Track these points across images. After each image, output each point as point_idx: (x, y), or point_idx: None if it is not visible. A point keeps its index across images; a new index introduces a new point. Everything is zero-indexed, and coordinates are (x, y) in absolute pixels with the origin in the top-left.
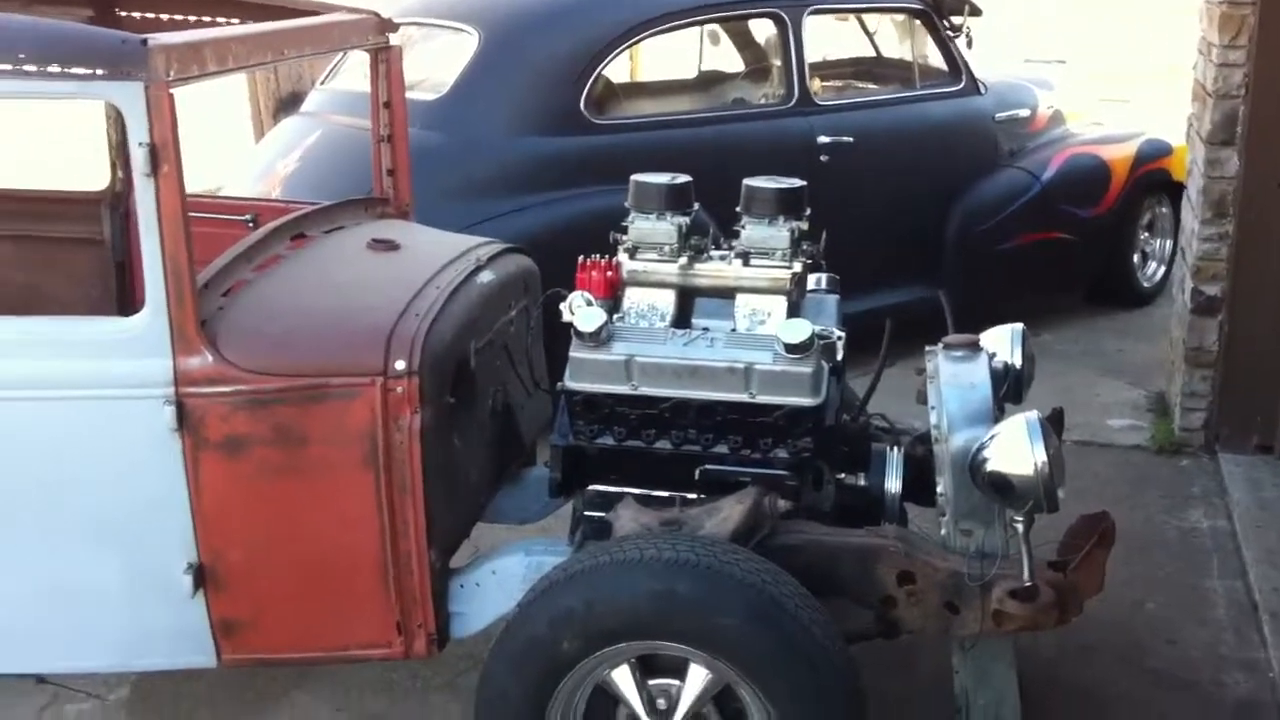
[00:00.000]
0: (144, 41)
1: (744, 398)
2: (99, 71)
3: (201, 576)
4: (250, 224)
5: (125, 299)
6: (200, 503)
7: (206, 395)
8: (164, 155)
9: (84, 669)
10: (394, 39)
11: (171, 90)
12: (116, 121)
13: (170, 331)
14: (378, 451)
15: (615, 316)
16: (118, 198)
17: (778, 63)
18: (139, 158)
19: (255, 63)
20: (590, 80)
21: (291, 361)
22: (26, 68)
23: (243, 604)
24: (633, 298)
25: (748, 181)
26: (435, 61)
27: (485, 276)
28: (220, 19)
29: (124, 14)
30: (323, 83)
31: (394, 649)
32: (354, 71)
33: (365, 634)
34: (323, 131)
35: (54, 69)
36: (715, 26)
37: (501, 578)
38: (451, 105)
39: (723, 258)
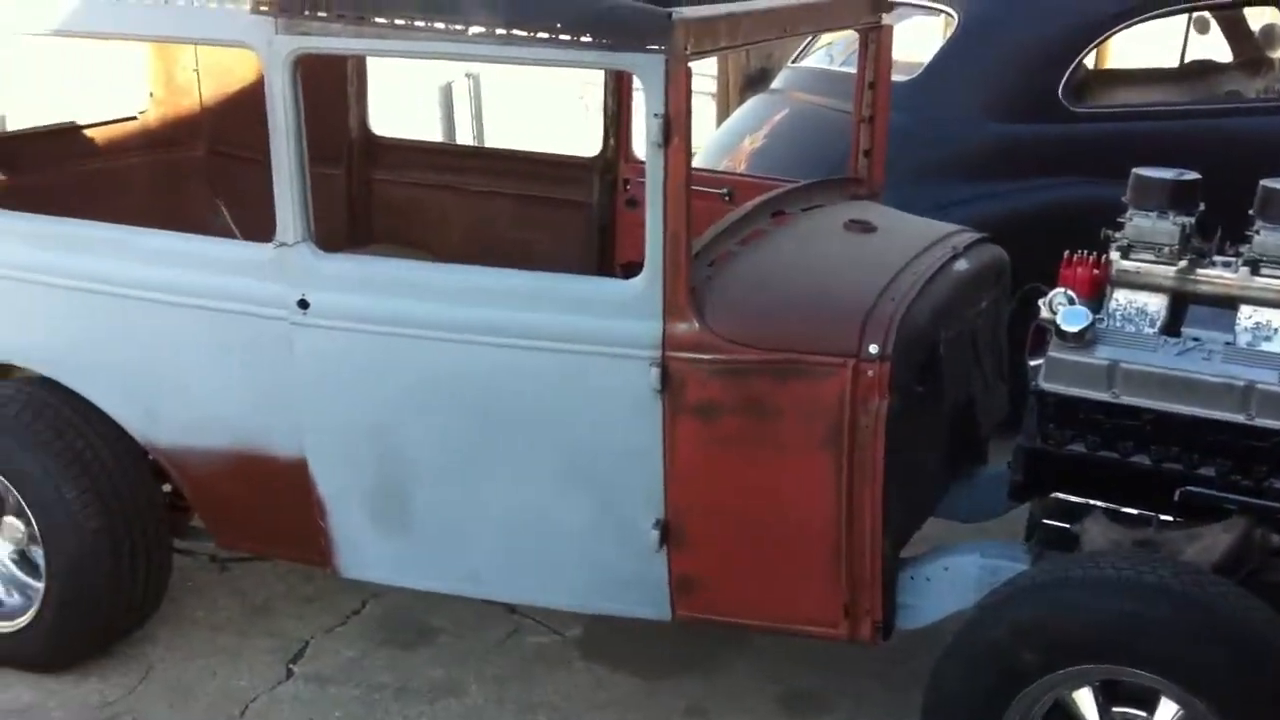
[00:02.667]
0: (669, 15)
1: (1240, 419)
2: (627, 43)
3: (666, 532)
4: (726, 198)
5: (604, 261)
6: (673, 462)
7: (689, 360)
8: (676, 127)
9: (550, 604)
10: (886, 19)
11: (689, 64)
12: (616, 92)
13: (663, 297)
14: (843, 432)
15: (1098, 318)
16: (608, 164)
17: (1277, 55)
18: (652, 128)
19: (761, 38)
20: (1071, 66)
21: (769, 335)
22: (561, 36)
23: (701, 563)
24: (1120, 299)
25: (1265, 183)
26: (907, 43)
27: (961, 265)
28: None
29: None
30: (794, 61)
31: (838, 630)
32: (823, 51)
33: (812, 611)
34: (791, 109)
35: (586, 39)
36: (1205, 14)
37: (954, 575)
38: (923, 87)
39: (1226, 264)
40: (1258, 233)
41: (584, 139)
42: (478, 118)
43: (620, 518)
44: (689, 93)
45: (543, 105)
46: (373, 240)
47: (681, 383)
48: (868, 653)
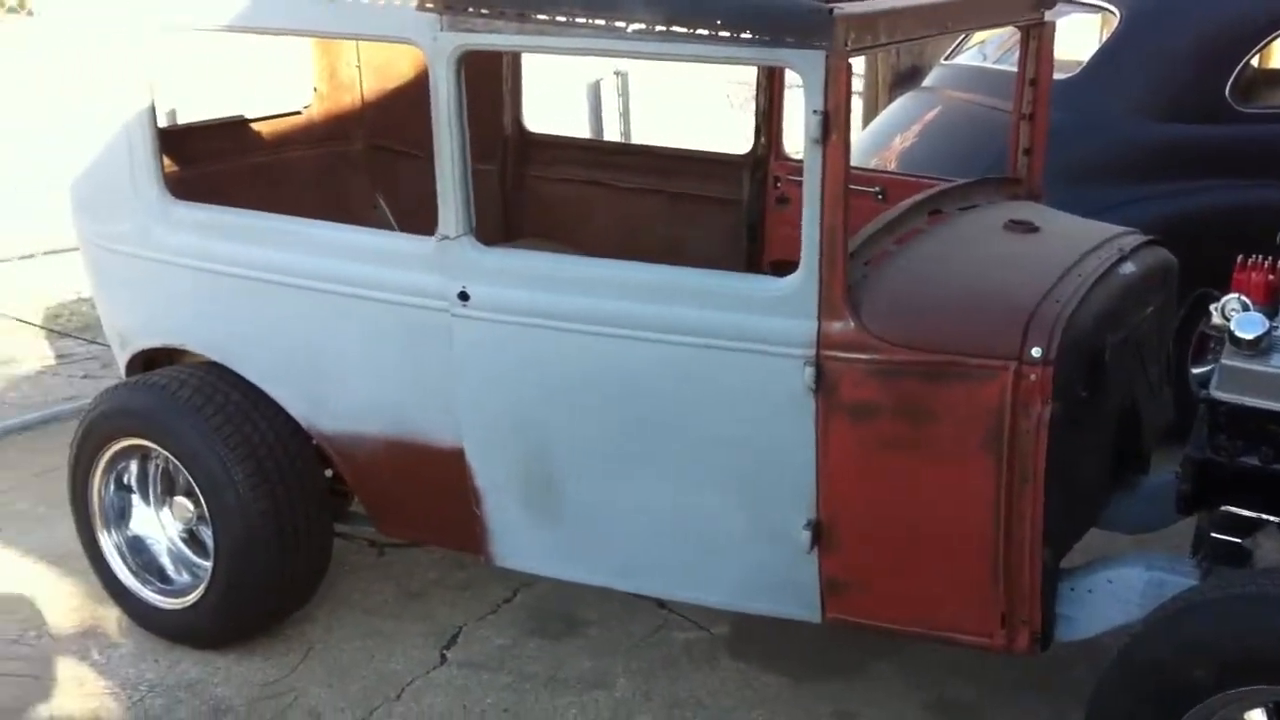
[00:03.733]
0: (830, 11)
1: None
2: (787, 39)
3: (818, 533)
4: (879, 197)
5: (753, 259)
6: (826, 463)
7: (844, 360)
8: (835, 123)
9: (699, 601)
10: (1048, 16)
11: (849, 60)
12: (767, 88)
13: (819, 295)
14: (1003, 437)
15: (1274, 325)
16: (758, 162)
17: None
18: (811, 124)
19: (922, 34)
20: (1239, 66)
21: (928, 336)
22: (721, 33)
23: (853, 566)
24: None
25: None
26: (1065, 40)
27: (1127, 268)
28: None
29: None
30: (947, 58)
31: (994, 640)
32: (976, 49)
33: (966, 619)
34: (944, 107)
35: (745, 35)
36: None
37: (1117, 588)
38: (1083, 85)
39: None
40: None
41: (730, 136)
42: (625, 115)
43: (773, 517)
44: (849, 89)
45: (688, 102)
46: (524, 235)
47: (836, 382)
48: (1023, 664)
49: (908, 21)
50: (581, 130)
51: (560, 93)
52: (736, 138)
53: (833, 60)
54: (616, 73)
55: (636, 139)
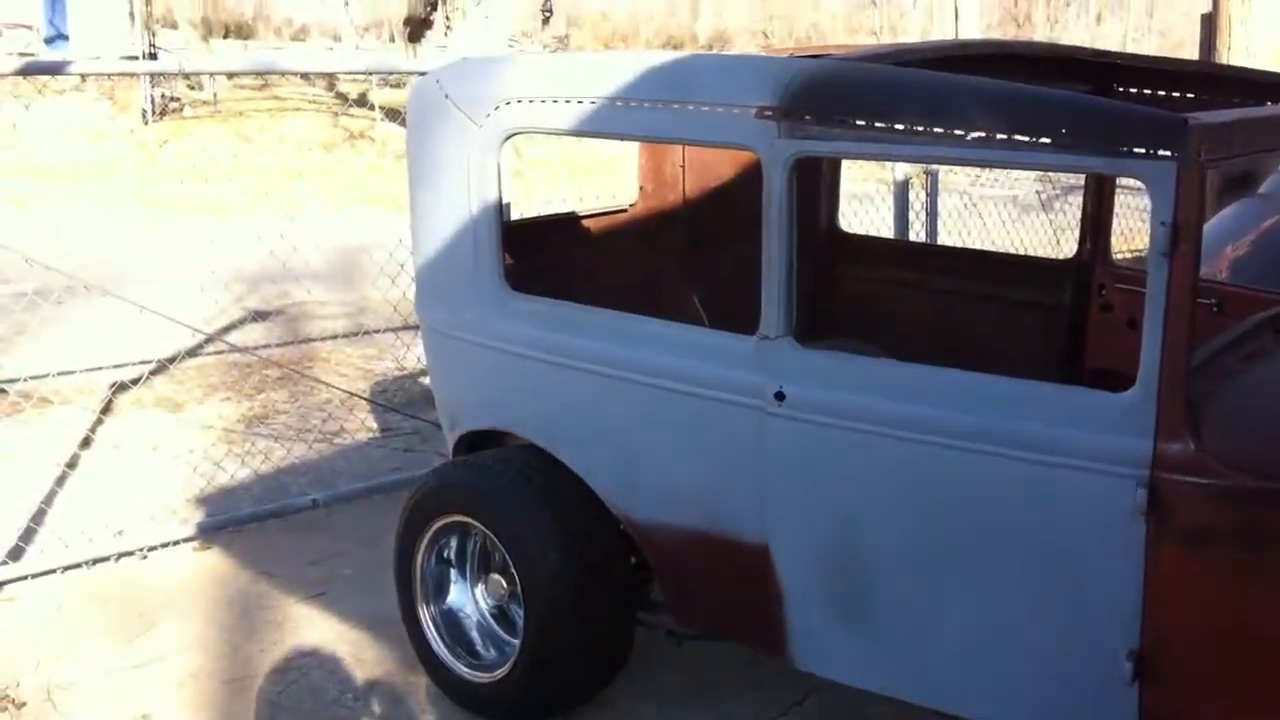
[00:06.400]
0: (1185, 121)
1: None
2: (1137, 150)
3: (1141, 665)
4: (1215, 308)
5: (1072, 368)
6: (1154, 590)
7: (1180, 483)
8: (1185, 235)
9: None
10: None
11: (1203, 170)
12: (1095, 192)
13: (1157, 413)
14: None
15: None
16: (1083, 267)
17: None
18: (1159, 236)
19: (1273, 146)
20: None
21: (1270, 460)
22: (1065, 141)
23: (1177, 700)
24: None
25: None
26: None
27: None
28: (1221, 98)
29: (1121, 89)
30: None
31: None
32: None
33: None
34: None
35: (1092, 143)
36: None
37: None
38: None
39: None
40: None
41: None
42: (932, 214)
43: (1092, 643)
44: (1203, 201)
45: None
46: (835, 335)
47: (1171, 505)
48: None
49: (1265, 131)
50: (883, 229)
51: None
52: (1041, 238)
53: (1184, 172)
54: (925, 172)
55: (941, 239)
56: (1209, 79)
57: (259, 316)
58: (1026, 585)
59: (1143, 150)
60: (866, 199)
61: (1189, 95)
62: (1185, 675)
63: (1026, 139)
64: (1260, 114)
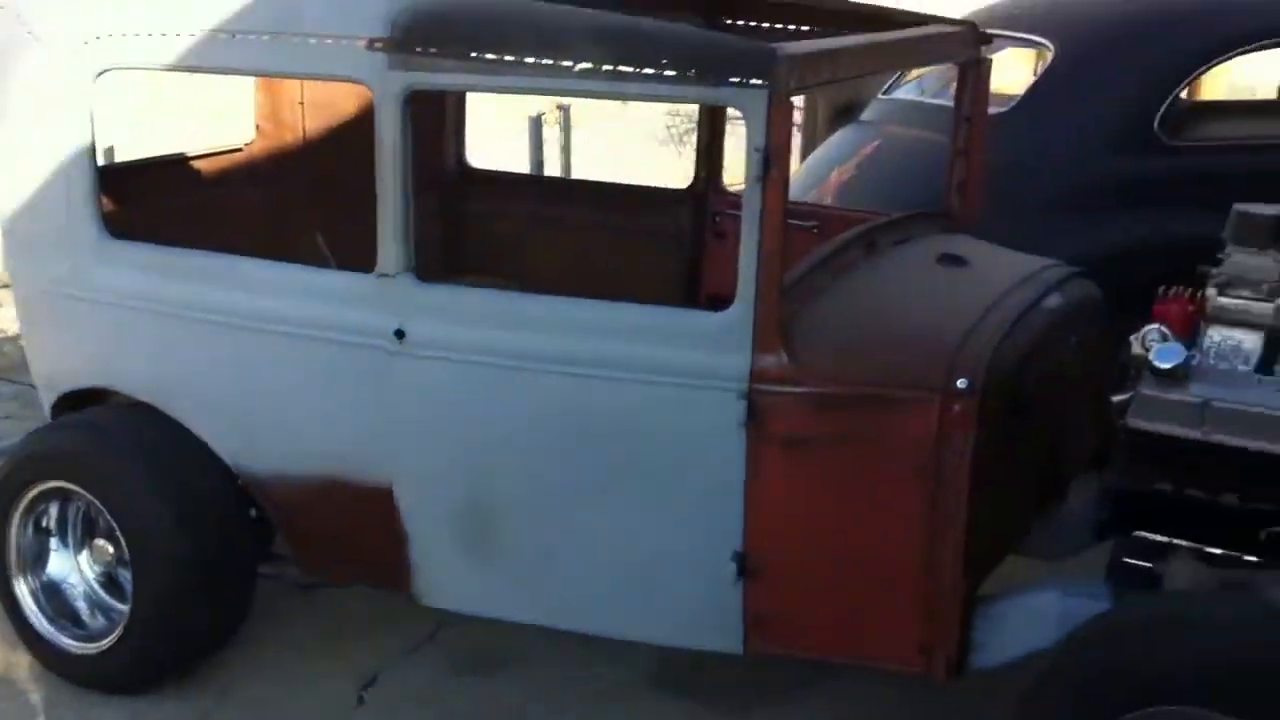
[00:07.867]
0: (774, 51)
1: None
2: (731, 79)
3: (744, 566)
4: (814, 231)
5: (691, 292)
6: (754, 496)
7: (775, 394)
8: (775, 160)
9: (627, 638)
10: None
11: (791, 98)
12: (708, 124)
13: (754, 329)
14: (929, 467)
15: (1191, 355)
16: (698, 196)
17: None
18: (752, 162)
19: (861, 72)
20: (1168, 99)
21: (857, 369)
22: (667, 72)
23: (778, 597)
24: (1215, 337)
25: None
26: (998, 74)
27: (1053, 301)
28: (819, 29)
29: (729, 22)
30: (884, 92)
31: (911, 666)
32: (914, 83)
33: (886, 645)
34: (882, 141)
35: (690, 74)
36: None
37: (1033, 613)
38: (1015, 119)
39: None
40: None
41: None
42: (566, 149)
43: (700, 551)
44: (790, 127)
45: (628, 134)
46: (463, 271)
47: (766, 416)
48: (949, 691)
49: (849, 60)
50: (521, 164)
51: (500, 125)
52: (671, 170)
53: (775, 99)
54: (559, 107)
55: (577, 173)
56: (810, 10)
57: None
58: (643, 504)
59: (737, 80)
60: (509, 135)
61: (790, 27)
62: (785, 573)
63: (631, 70)
64: (847, 43)
